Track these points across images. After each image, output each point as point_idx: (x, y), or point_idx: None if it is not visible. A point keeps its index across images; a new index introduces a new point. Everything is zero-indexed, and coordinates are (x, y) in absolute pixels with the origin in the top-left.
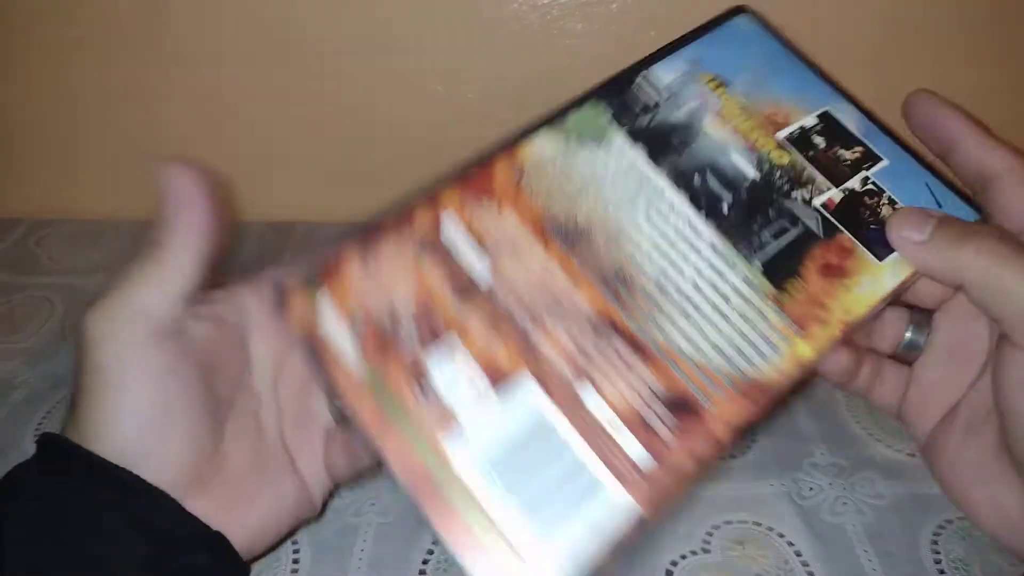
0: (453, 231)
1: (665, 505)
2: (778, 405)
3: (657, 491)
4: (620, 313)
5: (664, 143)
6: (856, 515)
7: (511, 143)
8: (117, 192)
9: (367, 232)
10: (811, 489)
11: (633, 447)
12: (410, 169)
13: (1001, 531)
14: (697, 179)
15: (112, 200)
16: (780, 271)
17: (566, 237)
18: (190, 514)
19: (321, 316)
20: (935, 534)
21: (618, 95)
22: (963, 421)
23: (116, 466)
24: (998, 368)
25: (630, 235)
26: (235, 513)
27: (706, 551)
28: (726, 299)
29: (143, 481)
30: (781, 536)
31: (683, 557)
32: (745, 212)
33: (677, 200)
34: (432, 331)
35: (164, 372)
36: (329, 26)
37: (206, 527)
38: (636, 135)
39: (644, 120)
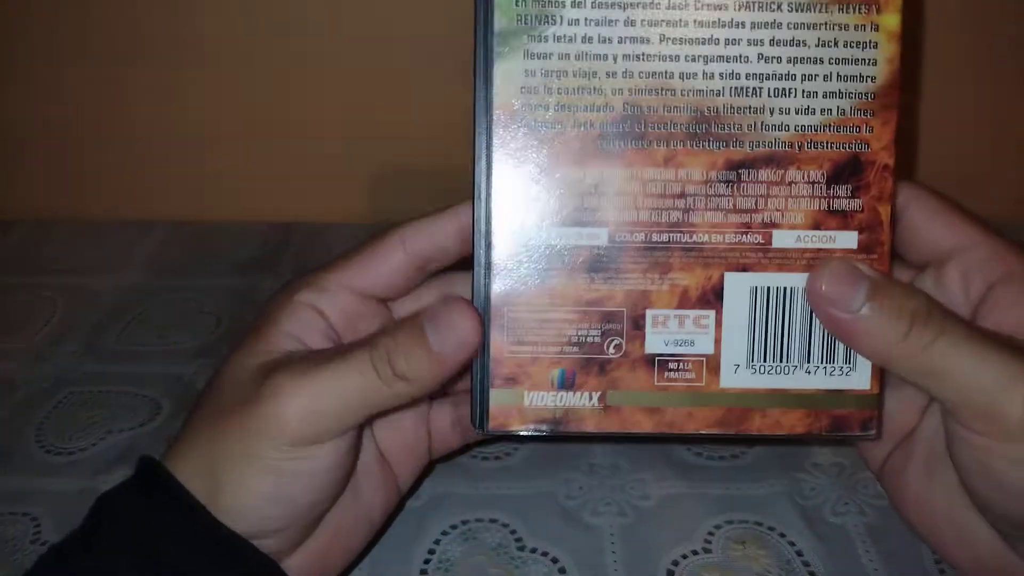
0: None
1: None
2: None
3: (881, 251)
4: (732, 150)
5: None
6: (858, 515)
7: (488, 104)
8: (117, 192)
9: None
10: (812, 489)
11: (841, 239)
12: (411, 169)
13: (973, 568)
14: None
15: (112, 200)
16: None
17: (624, 136)
18: None
19: (535, 400)
20: None
21: None
22: (923, 456)
23: (230, 530)
24: (953, 448)
25: (669, 72)
26: (337, 545)
27: (707, 551)
28: (800, 43)
29: (255, 550)
30: (782, 536)
31: (684, 557)
32: None
33: None
34: (630, 323)
35: (327, 471)
36: (330, 26)
37: None
38: None
39: None
